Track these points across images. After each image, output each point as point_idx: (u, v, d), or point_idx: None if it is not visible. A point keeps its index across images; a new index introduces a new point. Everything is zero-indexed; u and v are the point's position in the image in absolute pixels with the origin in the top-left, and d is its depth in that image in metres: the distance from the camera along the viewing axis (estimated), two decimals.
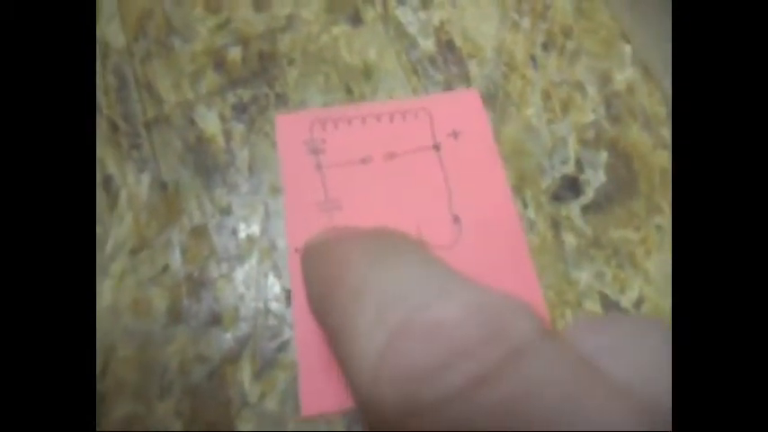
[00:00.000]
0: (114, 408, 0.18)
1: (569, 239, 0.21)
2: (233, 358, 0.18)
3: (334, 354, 0.11)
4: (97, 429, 0.17)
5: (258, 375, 0.18)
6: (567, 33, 0.25)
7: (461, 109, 0.22)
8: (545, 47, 0.24)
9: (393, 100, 0.23)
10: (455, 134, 0.22)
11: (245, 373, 0.18)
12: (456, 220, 0.21)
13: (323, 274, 0.12)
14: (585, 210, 0.21)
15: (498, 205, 0.21)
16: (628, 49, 0.24)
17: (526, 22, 0.25)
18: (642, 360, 0.09)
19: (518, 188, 0.21)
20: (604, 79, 0.24)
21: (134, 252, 0.20)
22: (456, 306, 0.09)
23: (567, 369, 0.08)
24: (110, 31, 0.24)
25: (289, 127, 0.22)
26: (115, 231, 0.20)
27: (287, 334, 0.19)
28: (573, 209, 0.21)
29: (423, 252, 0.11)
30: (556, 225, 0.21)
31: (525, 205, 0.21)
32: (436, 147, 0.22)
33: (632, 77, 0.24)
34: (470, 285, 0.10)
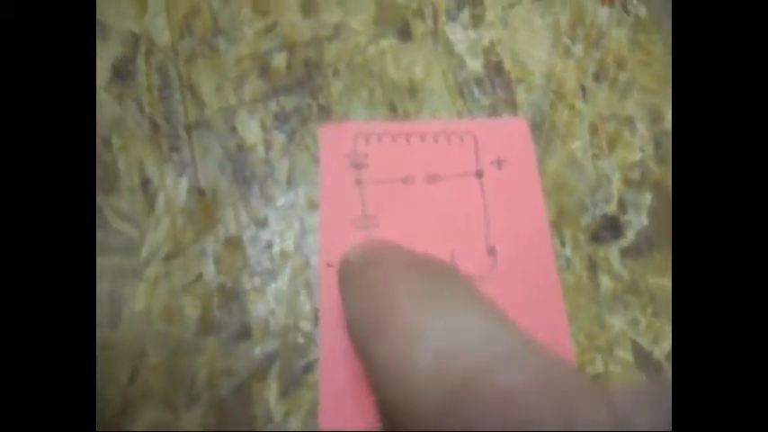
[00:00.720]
0: (142, 414, 0.18)
1: (605, 282, 0.20)
2: (260, 374, 0.19)
3: (377, 389, 0.11)
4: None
5: (284, 394, 0.18)
6: (620, 64, 0.24)
7: (508, 137, 0.22)
8: (596, 77, 0.24)
9: (439, 120, 0.22)
10: (499, 162, 0.21)
11: (272, 390, 0.18)
12: (491, 251, 0.20)
13: (368, 299, 0.12)
14: (625, 253, 0.21)
15: (536, 241, 0.21)
16: None
17: (579, 50, 0.24)
18: None
19: (557, 224, 0.21)
20: (655, 116, 0.23)
21: (168, 258, 0.20)
22: (524, 376, 0.09)
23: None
24: (155, 26, 0.23)
25: (333, 138, 0.21)
26: (151, 236, 0.20)
27: (314, 354, 0.19)
28: (612, 251, 0.21)
29: (476, 294, 0.11)
30: (593, 266, 0.20)
31: (563, 243, 0.21)
32: (479, 173, 0.21)
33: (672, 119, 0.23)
34: (538, 349, 0.09)
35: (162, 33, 0.23)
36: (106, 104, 0.22)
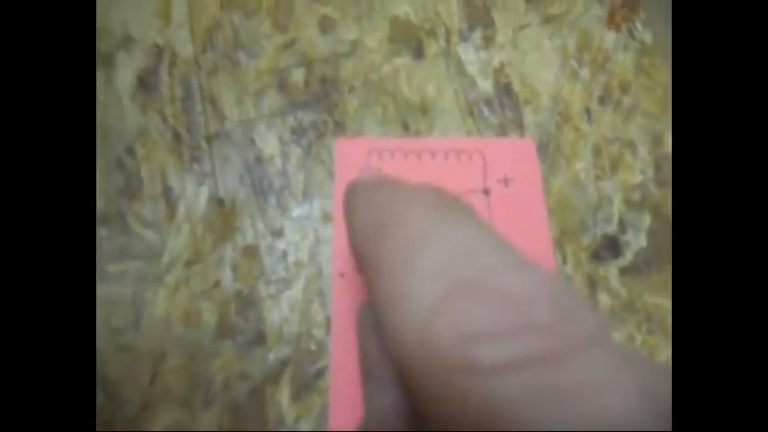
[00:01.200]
0: (161, 414, 0.19)
1: (604, 299, 0.21)
2: (274, 379, 0.19)
3: (376, 290, 0.10)
4: None
5: (296, 397, 0.19)
6: (624, 88, 0.25)
7: (515, 156, 0.23)
8: (601, 100, 0.24)
9: (449, 138, 0.23)
10: (506, 181, 0.22)
11: (284, 394, 0.19)
12: None
13: (376, 210, 0.11)
14: (623, 272, 0.22)
15: (540, 258, 0.21)
16: None
17: (585, 73, 0.25)
18: None
19: (559, 242, 0.22)
20: (656, 140, 0.24)
21: (188, 264, 0.21)
22: (531, 280, 0.09)
23: (633, 368, 0.08)
24: (178, 38, 0.24)
25: (348, 152, 0.22)
26: (172, 242, 0.21)
27: (325, 360, 0.20)
28: (611, 269, 0.22)
29: (480, 218, 0.11)
30: (592, 284, 0.21)
31: (565, 260, 0.22)
32: (486, 191, 0.22)
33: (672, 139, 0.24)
34: (536, 264, 0.09)
35: (185, 46, 0.24)
36: (131, 114, 0.23)
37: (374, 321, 0.13)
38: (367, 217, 0.12)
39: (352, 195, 0.13)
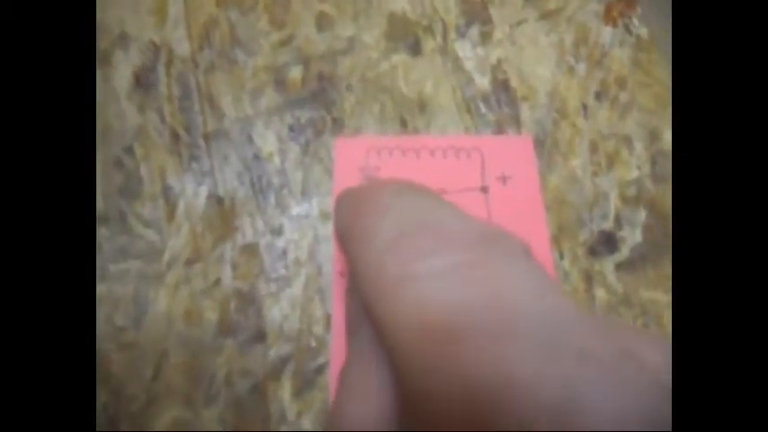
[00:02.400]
0: (164, 411, 0.19)
1: (600, 295, 0.22)
2: (275, 375, 0.20)
3: (351, 252, 0.13)
4: (146, 430, 0.19)
5: (297, 394, 0.20)
6: (621, 84, 0.25)
7: (513, 154, 0.23)
8: (598, 96, 0.25)
9: (448, 136, 0.23)
10: (504, 179, 0.22)
11: (286, 390, 0.20)
12: None
13: (354, 201, 0.14)
14: (619, 267, 0.22)
15: (537, 256, 0.22)
16: None
17: (582, 68, 0.25)
18: None
19: (556, 238, 0.22)
20: (653, 136, 0.24)
21: (189, 263, 0.21)
22: (467, 223, 0.11)
23: (534, 273, 0.10)
24: (175, 37, 0.24)
25: (347, 151, 0.23)
26: (172, 242, 0.21)
27: (326, 357, 0.20)
28: (607, 265, 0.22)
29: (442, 198, 0.13)
30: (589, 279, 0.22)
31: (561, 256, 0.22)
32: (484, 189, 0.22)
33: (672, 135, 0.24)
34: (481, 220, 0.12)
35: (182, 44, 0.24)
36: (129, 113, 0.23)
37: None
38: (347, 210, 0.14)
39: (338, 202, 0.15)
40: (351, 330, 0.15)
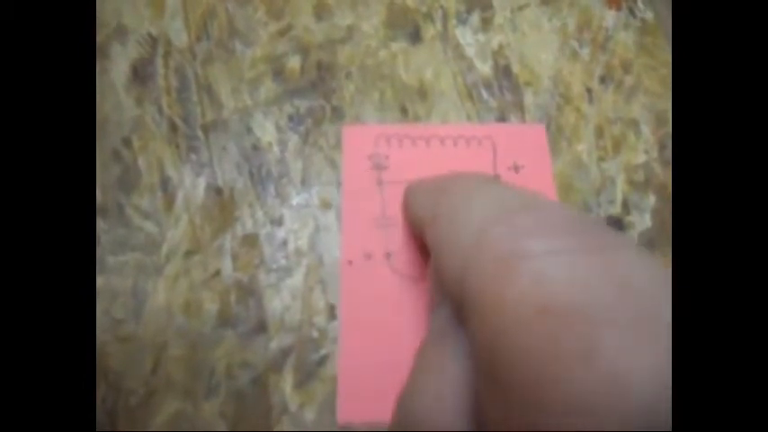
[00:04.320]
0: (164, 404, 0.19)
1: None
2: (276, 367, 0.19)
3: (435, 234, 0.13)
4: (147, 425, 0.18)
5: (299, 385, 0.19)
6: (626, 68, 0.24)
7: (526, 143, 0.22)
8: (602, 80, 0.24)
9: (458, 124, 0.23)
10: (516, 168, 0.22)
11: (287, 382, 0.19)
12: None
13: (432, 189, 0.14)
14: None
15: None
16: None
17: (585, 53, 0.25)
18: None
19: None
20: (660, 120, 0.23)
21: (188, 255, 0.21)
22: (565, 207, 0.12)
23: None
24: (173, 28, 0.24)
25: (355, 139, 0.22)
26: (171, 233, 0.21)
27: (328, 348, 0.20)
28: None
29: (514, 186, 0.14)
30: None
31: None
32: (496, 178, 0.22)
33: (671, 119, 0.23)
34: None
35: (179, 35, 0.24)
36: (126, 105, 0.23)
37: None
38: (427, 195, 0.14)
39: (412, 190, 0.16)
40: (431, 309, 0.15)
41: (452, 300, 0.12)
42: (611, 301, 0.08)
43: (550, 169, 0.22)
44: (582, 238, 0.10)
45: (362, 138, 0.22)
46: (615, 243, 0.10)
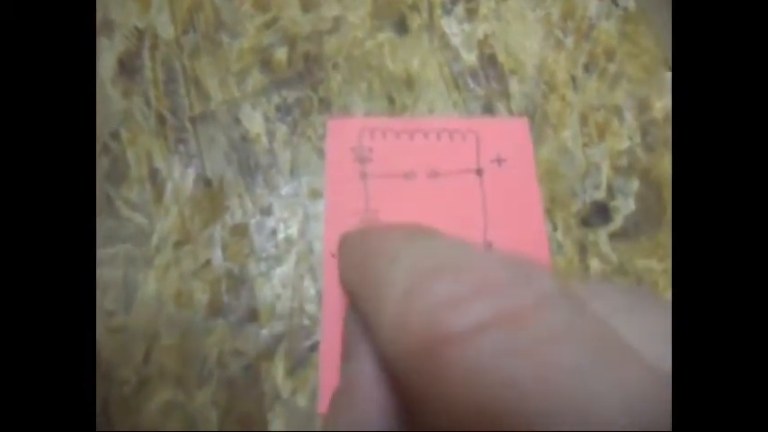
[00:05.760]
0: (156, 393, 0.19)
1: (594, 265, 0.21)
2: (268, 354, 0.20)
3: (361, 305, 0.12)
4: (140, 413, 0.19)
5: (291, 372, 0.19)
6: (609, 56, 0.25)
7: (508, 136, 0.23)
8: (586, 68, 0.24)
9: (442, 117, 0.23)
10: (499, 161, 0.22)
11: (279, 369, 0.19)
12: (488, 246, 0.21)
13: (360, 249, 0.13)
14: (613, 236, 0.22)
15: (531, 238, 0.21)
16: (669, 76, 0.24)
17: (570, 41, 0.25)
18: (651, 326, 0.09)
19: (549, 210, 0.22)
20: (643, 106, 0.24)
21: (178, 245, 0.21)
22: (485, 254, 0.10)
23: (588, 325, 0.08)
24: (159, 21, 0.24)
25: (339, 132, 0.22)
26: (161, 224, 0.21)
27: (319, 335, 0.20)
28: (601, 235, 0.22)
29: (452, 237, 0.12)
30: (583, 249, 0.21)
31: (555, 227, 0.22)
32: (479, 171, 0.22)
33: (671, 106, 0.24)
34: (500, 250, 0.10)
35: (166, 28, 0.24)
36: (113, 98, 0.23)
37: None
38: (352, 256, 0.13)
39: (342, 247, 0.14)
40: (345, 357, 0.14)
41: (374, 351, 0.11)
42: (539, 395, 0.08)
43: (533, 162, 0.22)
44: (500, 299, 0.09)
45: (347, 131, 0.22)
46: (536, 298, 0.09)
